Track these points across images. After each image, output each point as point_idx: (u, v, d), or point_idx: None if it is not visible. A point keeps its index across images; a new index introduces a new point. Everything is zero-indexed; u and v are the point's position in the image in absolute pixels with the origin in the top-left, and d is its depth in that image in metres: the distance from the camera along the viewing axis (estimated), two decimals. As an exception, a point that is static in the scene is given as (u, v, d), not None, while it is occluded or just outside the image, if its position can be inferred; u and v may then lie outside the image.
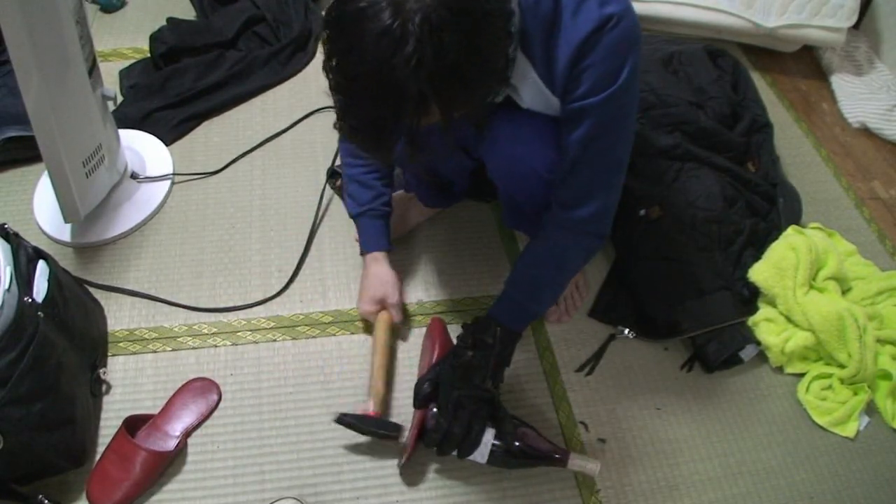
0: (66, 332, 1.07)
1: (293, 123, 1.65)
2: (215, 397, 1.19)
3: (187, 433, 1.14)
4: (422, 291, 1.37)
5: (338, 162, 1.54)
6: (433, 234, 1.47)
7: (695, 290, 1.31)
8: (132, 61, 1.75)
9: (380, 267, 1.24)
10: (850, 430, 1.24)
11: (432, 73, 0.73)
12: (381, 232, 1.24)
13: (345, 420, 1.11)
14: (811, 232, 1.38)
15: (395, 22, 0.70)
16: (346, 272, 1.39)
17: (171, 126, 1.60)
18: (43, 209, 1.42)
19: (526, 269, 1.11)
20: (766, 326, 1.31)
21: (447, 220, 1.49)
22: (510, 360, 1.13)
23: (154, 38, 1.74)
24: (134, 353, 1.24)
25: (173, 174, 1.51)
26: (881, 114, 1.83)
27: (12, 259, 1.01)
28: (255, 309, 1.32)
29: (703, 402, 1.27)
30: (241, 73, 1.71)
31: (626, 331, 1.33)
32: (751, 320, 1.33)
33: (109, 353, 1.24)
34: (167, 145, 1.57)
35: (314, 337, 1.29)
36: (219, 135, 1.62)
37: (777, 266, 1.31)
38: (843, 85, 1.91)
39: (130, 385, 1.20)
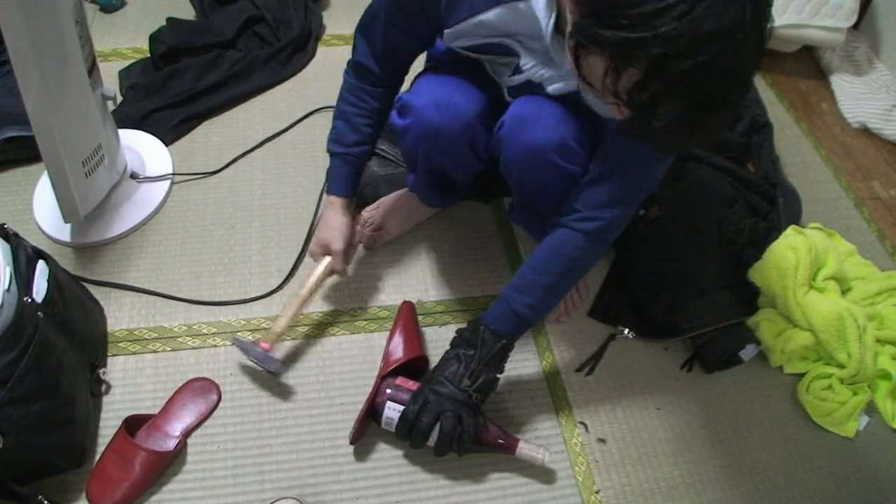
0: (65, 332, 1.07)
1: (293, 123, 1.65)
2: (215, 397, 1.19)
3: (187, 433, 1.14)
4: (421, 291, 1.37)
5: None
6: (433, 234, 1.47)
7: (694, 290, 1.31)
8: (132, 61, 1.75)
9: (333, 212, 1.22)
10: (849, 430, 1.24)
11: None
12: (348, 178, 1.22)
13: (238, 342, 1.19)
14: (811, 232, 1.38)
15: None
16: (345, 272, 1.39)
17: (170, 126, 1.60)
18: (43, 209, 1.42)
19: (527, 272, 1.10)
20: (766, 326, 1.31)
21: (447, 220, 1.49)
22: (499, 367, 1.11)
23: (154, 39, 1.74)
24: (134, 353, 1.24)
25: (173, 174, 1.51)
26: (881, 114, 1.83)
27: (12, 259, 1.01)
28: (254, 309, 1.32)
29: (703, 402, 1.27)
30: (241, 73, 1.71)
31: (626, 331, 1.33)
32: (751, 320, 1.33)
33: (109, 353, 1.24)
34: (167, 145, 1.57)
35: (314, 337, 1.29)
36: (219, 135, 1.62)
37: (777, 266, 1.31)
38: (843, 85, 1.91)
39: (130, 385, 1.20)
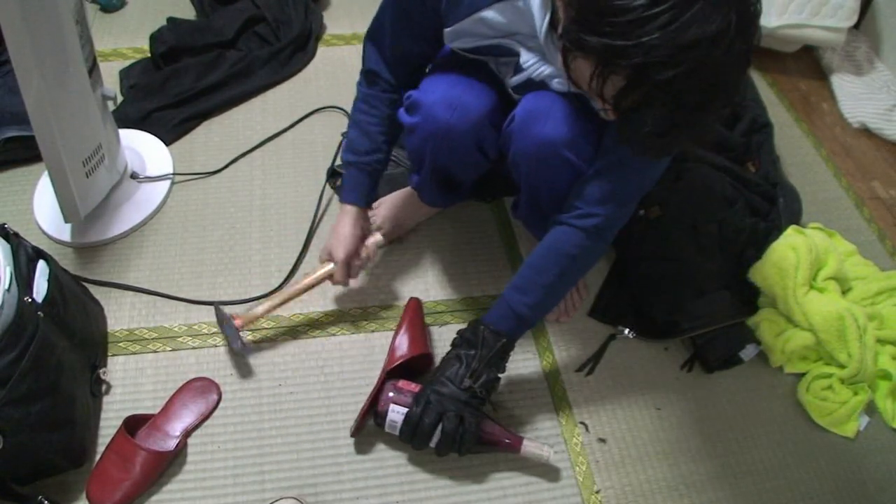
0: (66, 332, 1.07)
1: (293, 123, 1.65)
2: (215, 397, 1.19)
3: (187, 433, 1.14)
4: (422, 291, 1.37)
5: (338, 161, 1.54)
6: (433, 233, 1.47)
7: (694, 289, 1.31)
8: (132, 61, 1.75)
9: (344, 220, 1.22)
10: (850, 430, 1.24)
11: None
12: (362, 187, 1.22)
13: (218, 310, 1.21)
14: (811, 232, 1.38)
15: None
16: (346, 272, 1.39)
17: (171, 126, 1.60)
18: (43, 209, 1.42)
19: (527, 271, 1.10)
20: (767, 326, 1.31)
21: (447, 220, 1.49)
22: (500, 366, 1.11)
23: (154, 38, 1.74)
24: (134, 353, 1.24)
25: (173, 174, 1.51)
26: (881, 114, 1.83)
27: (12, 259, 1.01)
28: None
29: (703, 402, 1.27)
30: (241, 73, 1.71)
31: (626, 331, 1.33)
32: (751, 320, 1.33)
33: (109, 353, 1.24)
34: (167, 145, 1.57)
35: (314, 337, 1.29)
36: (219, 135, 1.62)
37: (777, 266, 1.31)
38: (843, 85, 1.91)
39: (130, 385, 1.20)
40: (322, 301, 1.35)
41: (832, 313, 1.26)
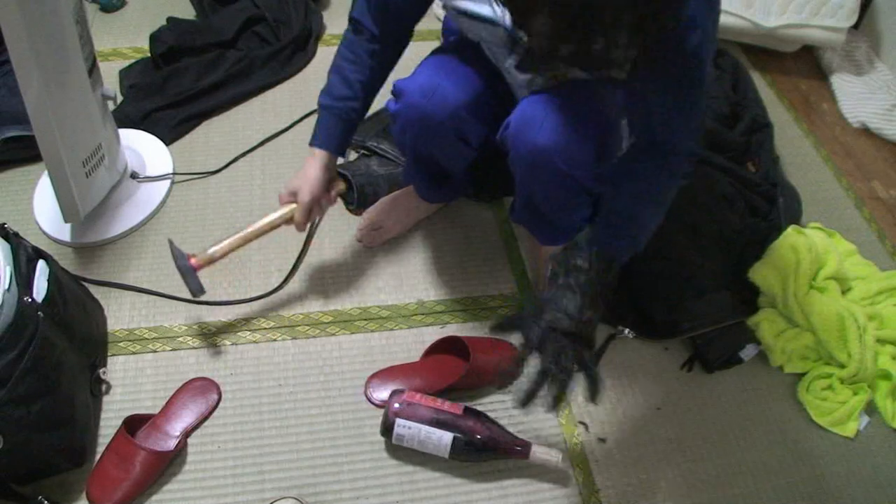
0: (65, 332, 1.07)
1: (293, 123, 1.65)
2: (215, 397, 1.19)
3: (187, 433, 1.14)
4: (422, 291, 1.37)
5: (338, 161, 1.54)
6: (433, 233, 1.47)
7: (694, 289, 1.31)
8: (132, 61, 1.75)
9: (312, 164, 1.18)
10: (850, 429, 1.24)
11: None
12: (331, 131, 1.19)
13: (172, 246, 1.18)
14: (811, 232, 1.38)
15: None
16: (345, 272, 1.39)
17: (171, 126, 1.60)
18: (43, 209, 1.42)
19: (621, 206, 1.00)
20: (767, 326, 1.31)
21: (448, 219, 1.49)
22: (614, 284, 0.98)
23: (153, 38, 1.74)
24: (134, 353, 1.24)
25: (173, 174, 1.51)
26: (881, 114, 1.83)
27: (12, 259, 1.01)
28: (254, 309, 1.32)
29: (703, 402, 1.27)
30: (241, 72, 1.71)
31: (626, 331, 1.33)
32: (751, 320, 1.33)
33: (109, 353, 1.24)
34: (167, 145, 1.57)
35: (314, 337, 1.29)
36: (219, 135, 1.62)
37: (777, 266, 1.31)
38: (843, 85, 1.91)
39: (130, 385, 1.20)
40: (322, 301, 1.35)
41: (832, 313, 1.26)
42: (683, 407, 1.26)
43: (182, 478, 1.11)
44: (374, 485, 1.12)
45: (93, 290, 1.30)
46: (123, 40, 1.84)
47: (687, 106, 0.95)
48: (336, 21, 1.95)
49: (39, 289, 1.04)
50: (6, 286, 0.97)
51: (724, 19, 1.84)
